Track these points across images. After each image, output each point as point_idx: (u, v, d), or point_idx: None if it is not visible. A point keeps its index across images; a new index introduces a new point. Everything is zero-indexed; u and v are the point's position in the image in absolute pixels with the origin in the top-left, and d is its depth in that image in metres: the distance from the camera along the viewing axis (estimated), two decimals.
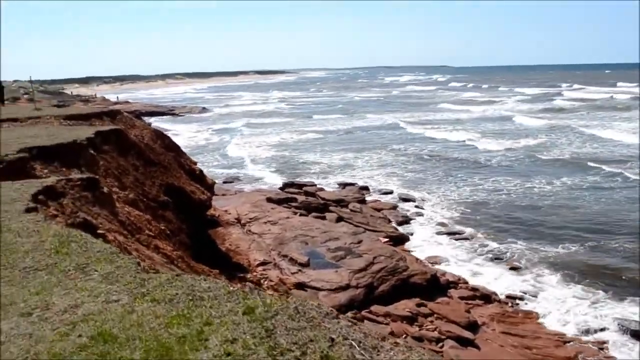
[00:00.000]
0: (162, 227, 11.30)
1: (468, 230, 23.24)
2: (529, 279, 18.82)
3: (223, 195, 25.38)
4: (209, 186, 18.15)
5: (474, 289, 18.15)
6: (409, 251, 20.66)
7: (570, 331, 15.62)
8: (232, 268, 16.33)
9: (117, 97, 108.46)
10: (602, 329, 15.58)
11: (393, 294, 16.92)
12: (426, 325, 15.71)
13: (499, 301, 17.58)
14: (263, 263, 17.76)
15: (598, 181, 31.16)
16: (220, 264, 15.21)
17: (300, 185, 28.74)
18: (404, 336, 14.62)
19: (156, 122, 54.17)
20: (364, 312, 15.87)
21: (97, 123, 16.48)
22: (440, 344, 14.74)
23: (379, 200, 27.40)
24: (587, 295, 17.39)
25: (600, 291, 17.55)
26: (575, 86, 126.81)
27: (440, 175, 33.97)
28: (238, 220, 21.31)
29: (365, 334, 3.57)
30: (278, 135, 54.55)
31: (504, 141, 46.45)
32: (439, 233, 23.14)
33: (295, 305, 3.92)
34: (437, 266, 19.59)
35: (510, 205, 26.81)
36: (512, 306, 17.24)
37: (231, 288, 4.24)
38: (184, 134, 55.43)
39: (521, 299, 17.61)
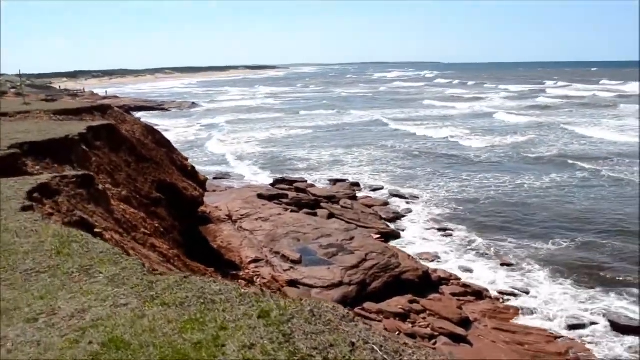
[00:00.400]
0: (156, 225, 11.13)
1: (459, 227, 23.31)
2: (519, 275, 18.93)
3: (213, 191, 25.17)
4: (201, 183, 17.97)
5: (466, 285, 18.21)
6: (400, 248, 20.65)
7: (560, 326, 15.75)
8: (224, 265, 16.18)
9: (106, 92, 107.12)
10: (592, 324, 15.75)
11: (385, 291, 16.91)
12: (419, 322, 15.73)
13: (491, 297, 17.65)
14: (255, 260, 17.64)
15: (587, 177, 31.48)
16: (212, 261, 15.05)
17: (291, 182, 28.59)
18: (397, 333, 14.60)
19: (145, 117, 53.52)
20: (356, 310, 15.79)
21: (88, 118, 16.23)
22: (433, 341, 14.75)
23: (370, 197, 27.38)
24: (577, 291, 17.56)
25: (590, 287, 17.74)
26: (560, 83, 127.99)
27: (430, 172, 34.03)
28: (229, 216, 21.14)
29: (385, 337, 3.50)
30: (267, 131, 54.30)
31: (492, 138, 46.72)
32: (429, 229, 23.19)
33: (310, 308, 3.84)
34: (428, 263, 19.61)
35: (500, 201, 26.94)
36: (503, 302, 17.31)
37: (243, 290, 4.14)
38: (173, 130, 54.94)
39: (512, 295, 17.71)
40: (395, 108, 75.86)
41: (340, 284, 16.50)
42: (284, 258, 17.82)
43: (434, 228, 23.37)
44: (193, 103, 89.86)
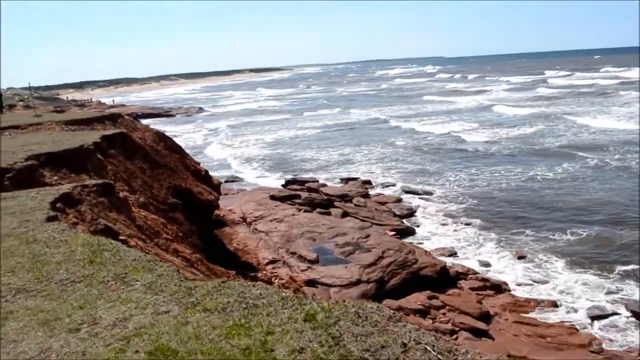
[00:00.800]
0: (175, 230, 11.11)
1: (473, 221, 23.15)
2: (538, 267, 18.76)
3: (225, 194, 25.14)
4: (216, 186, 17.96)
5: (484, 279, 18.09)
6: (416, 244, 20.56)
7: (582, 318, 15.58)
8: (241, 267, 16.15)
9: (113, 101, 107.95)
10: (614, 314, 15.55)
11: (404, 288, 16.84)
12: (439, 318, 15.64)
13: (510, 291, 17.53)
14: (272, 261, 17.61)
15: (598, 166, 31.15)
16: (230, 263, 15.04)
17: (302, 182, 28.51)
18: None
19: (153, 124, 53.70)
20: None
21: (99, 127, 16.24)
22: (455, 336, 14.65)
23: (383, 194, 27.27)
24: (597, 282, 17.37)
25: (609, 277, 17.55)
26: (562, 73, 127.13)
27: (439, 167, 33.87)
28: (244, 219, 21.12)
29: (435, 336, 3.43)
30: (273, 133, 54.31)
31: (499, 131, 46.45)
32: (444, 224, 23.07)
33: (355, 309, 3.77)
34: (445, 258, 19.50)
35: (513, 194, 26.75)
36: (522, 295, 17.17)
37: (284, 294, 4.08)
38: (181, 135, 55.07)
39: (532, 287, 17.57)
40: (397, 105, 75.54)
41: (358, 282, 16.43)
42: (301, 258, 17.78)
43: (448, 223, 23.24)
44: (200, 108, 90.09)
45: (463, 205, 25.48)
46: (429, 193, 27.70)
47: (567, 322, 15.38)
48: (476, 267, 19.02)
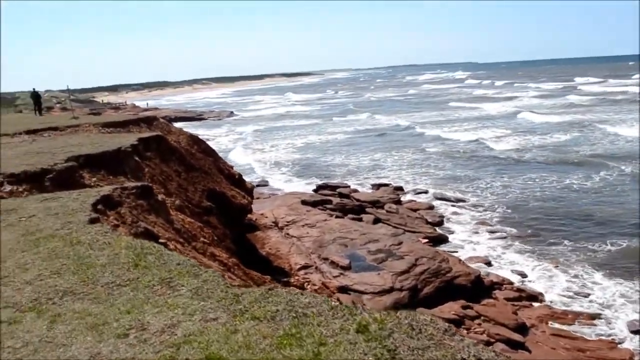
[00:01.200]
0: (211, 233, 11.11)
1: (508, 229, 22.70)
2: (576, 278, 18.25)
3: (257, 198, 25.19)
4: (249, 190, 17.98)
5: (520, 289, 17.69)
6: (449, 252, 20.23)
7: (622, 332, 15.09)
8: (273, 272, 16.10)
9: (147, 104, 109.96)
10: None
11: (437, 297, 16.56)
12: (474, 328, 15.30)
13: (546, 302, 17.09)
14: (304, 267, 17.52)
15: (637, 174, 30.25)
16: (263, 268, 15.00)
17: (333, 187, 28.37)
18: None
19: (186, 127, 54.30)
20: None
21: (135, 129, 16.43)
22: (490, 348, 14.28)
23: (414, 201, 26.96)
24: (637, 294, 16.80)
25: None
26: (593, 79, 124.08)
27: (471, 174, 33.37)
28: (275, 223, 21.10)
29: (495, 352, 3.26)
30: (304, 138, 54.41)
31: (531, 138, 45.65)
32: (478, 232, 22.66)
33: (408, 321, 3.63)
34: (479, 267, 19.14)
35: (549, 202, 26.13)
36: (560, 307, 16.71)
37: (333, 303, 3.96)
38: (213, 139, 55.56)
39: (569, 298, 17.09)
40: (425, 111, 74.72)
41: (391, 289, 16.22)
42: (333, 264, 17.65)
43: (482, 231, 22.82)
44: (231, 112, 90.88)
45: (497, 213, 25.00)
46: (462, 200, 27.28)
47: (607, 335, 14.91)
48: (511, 276, 18.61)
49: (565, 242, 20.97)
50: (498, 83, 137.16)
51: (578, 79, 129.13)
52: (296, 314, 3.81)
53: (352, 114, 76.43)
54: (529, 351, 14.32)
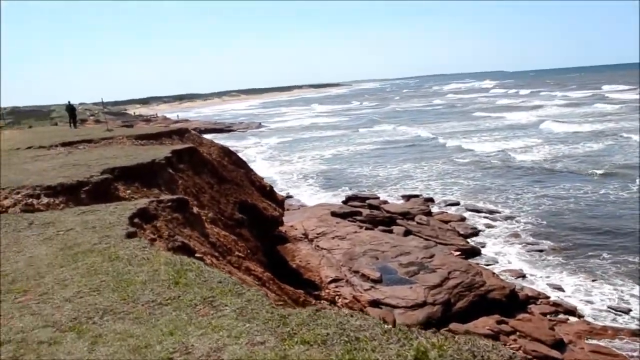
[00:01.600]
0: (245, 247, 10.99)
1: (543, 242, 22.11)
2: (615, 292, 17.64)
3: (287, 210, 25.10)
4: (280, 202, 17.88)
5: (556, 304, 17.18)
6: (482, 265, 19.77)
7: None
8: (304, 285, 15.91)
9: (178, 116, 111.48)
10: None
11: (471, 311, 16.16)
12: (510, 344, 14.82)
13: (584, 317, 16.52)
14: (335, 280, 17.27)
15: None
16: (293, 281, 14.83)
17: (362, 199, 28.08)
18: None
19: (216, 139, 54.70)
20: (442, 331, 15.15)
21: (167, 142, 16.49)
22: None
23: (446, 212, 26.52)
24: None
25: None
26: (622, 87, 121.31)
27: (502, 185, 32.73)
28: (305, 235, 20.92)
29: None
30: (332, 149, 54.33)
31: (562, 147, 44.70)
32: (511, 245, 22.12)
33: (468, 347, 3.40)
34: (514, 280, 18.65)
35: (585, 213, 25.42)
36: (599, 322, 16.12)
37: (386, 326, 3.75)
38: (242, 150, 55.90)
39: (609, 313, 16.50)
40: (450, 121, 73.78)
41: (424, 303, 15.87)
42: (364, 277, 17.36)
43: (516, 243, 22.27)
44: (259, 124, 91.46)
45: (530, 225, 24.42)
46: (494, 212, 26.73)
47: None
48: (547, 290, 18.09)
49: (604, 254, 20.32)
50: (524, 92, 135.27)
51: (606, 87, 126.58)
52: (348, 338, 3.61)
53: (377, 125, 76.07)
54: None
